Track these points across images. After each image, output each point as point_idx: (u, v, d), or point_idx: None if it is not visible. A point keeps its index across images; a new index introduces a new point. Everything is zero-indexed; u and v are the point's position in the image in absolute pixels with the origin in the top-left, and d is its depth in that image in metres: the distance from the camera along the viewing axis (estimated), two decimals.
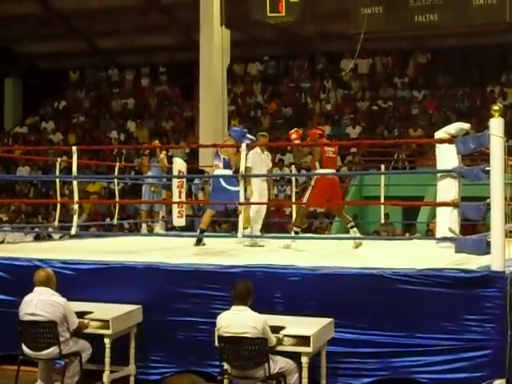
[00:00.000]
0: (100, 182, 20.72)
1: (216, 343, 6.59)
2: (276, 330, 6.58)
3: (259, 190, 11.13)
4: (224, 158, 10.35)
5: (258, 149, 11.39)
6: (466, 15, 17.84)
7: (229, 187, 10.04)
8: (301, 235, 10.60)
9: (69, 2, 25.48)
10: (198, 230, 10.65)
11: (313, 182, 10.38)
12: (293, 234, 10.42)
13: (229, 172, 10.31)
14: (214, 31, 19.88)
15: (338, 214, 11.08)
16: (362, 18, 18.25)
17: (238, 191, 9.28)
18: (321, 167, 10.20)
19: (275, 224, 17.23)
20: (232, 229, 14.68)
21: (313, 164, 10.45)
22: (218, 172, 10.36)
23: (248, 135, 10.64)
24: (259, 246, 10.23)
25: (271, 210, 18.52)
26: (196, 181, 17.93)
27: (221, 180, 10.06)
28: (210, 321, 7.11)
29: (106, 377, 7.24)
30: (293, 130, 10.55)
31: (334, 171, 10.44)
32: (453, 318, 6.92)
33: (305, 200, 10.44)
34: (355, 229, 10.41)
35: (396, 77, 24.98)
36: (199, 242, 10.35)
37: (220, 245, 10.40)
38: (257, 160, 11.30)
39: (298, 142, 10.43)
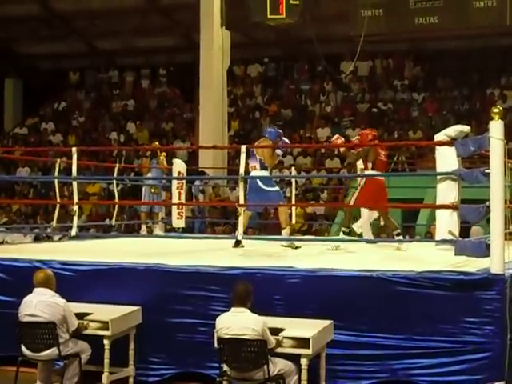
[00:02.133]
0: (100, 183, 20.71)
1: (215, 345, 6.59)
2: (275, 331, 6.58)
3: None
4: (260, 159, 10.16)
5: None
6: (466, 18, 17.89)
7: (266, 188, 10.00)
8: (347, 237, 10.52)
9: (69, 4, 25.51)
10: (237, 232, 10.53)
11: (362, 183, 10.36)
12: (341, 236, 10.39)
13: (265, 173, 10.20)
14: (214, 33, 19.90)
15: (383, 217, 11.02)
16: (362, 20, 18.30)
17: (277, 191, 9.28)
18: (373, 169, 10.22)
19: (274, 225, 17.24)
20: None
21: (364, 165, 10.44)
22: (254, 173, 10.15)
23: (283, 137, 10.58)
24: (296, 247, 10.11)
25: (271, 212, 18.55)
26: (196, 182, 17.93)
27: (258, 181, 9.94)
28: (209, 322, 7.11)
29: (105, 378, 7.24)
30: (335, 137, 10.65)
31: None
32: (452, 320, 6.92)
33: (352, 201, 10.47)
34: (401, 237, 10.40)
35: (396, 79, 24.98)
36: (238, 243, 10.19)
37: (259, 246, 10.22)
38: None
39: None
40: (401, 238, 10.46)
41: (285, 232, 10.16)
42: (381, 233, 15.55)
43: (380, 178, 10.30)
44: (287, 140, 10.80)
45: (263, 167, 10.19)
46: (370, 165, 10.28)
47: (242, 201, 8.83)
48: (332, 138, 10.69)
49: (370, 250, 10.14)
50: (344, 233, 10.39)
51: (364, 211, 11.14)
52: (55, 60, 28.49)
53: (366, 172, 10.34)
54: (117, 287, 7.90)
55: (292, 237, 10.53)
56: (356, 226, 11.20)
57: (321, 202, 18.70)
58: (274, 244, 10.39)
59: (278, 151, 10.40)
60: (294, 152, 21.81)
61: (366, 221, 11.16)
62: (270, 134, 10.47)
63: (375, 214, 11.23)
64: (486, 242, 7.01)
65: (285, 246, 10.06)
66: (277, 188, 10.15)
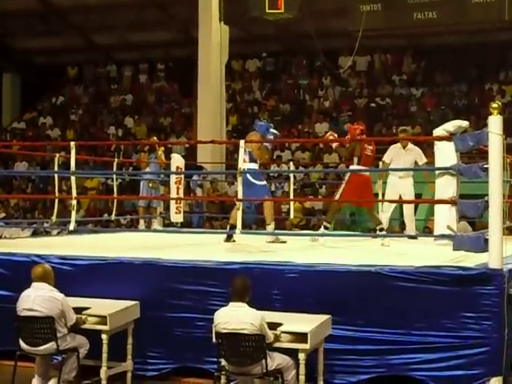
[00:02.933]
0: (98, 177, 20.70)
1: (213, 339, 6.59)
2: (273, 326, 6.58)
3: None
4: (250, 152, 10.14)
5: (398, 144, 11.41)
6: (464, 13, 17.86)
7: (255, 181, 9.99)
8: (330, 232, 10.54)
9: None
10: (228, 226, 10.54)
11: (346, 178, 10.37)
12: (322, 230, 10.40)
13: (255, 166, 10.19)
14: (212, 27, 19.87)
15: (368, 212, 11.04)
16: (360, 15, 18.27)
17: (263, 185, 9.27)
18: (358, 164, 10.21)
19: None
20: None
21: (350, 161, 10.44)
22: (245, 166, 9.94)
23: (272, 130, 10.51)
24: (281, 242, 10.14)
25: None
26: (194, 177, 17.93)
27: (248, 175, 9.89)
28: (207, 317, 7.11)
29: (103, 372, 7.24)
30: (328, 134, 10.64)
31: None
32: (450, 315, 6.93)
33: (337, 196, 10.46)
34: (384, 232, 10.44)
35: (394, 74, 24.97)
36: (229, 238, 10.24)
37: (247, 241, 10.22)
38: (394, 155, 11.36)
39: (336, 143, 10.47)
40: (384, 233, 10.46)
41: (269, 228, 10.13)
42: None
43: (365, 173, 10.28)
44: (276, 132, 10.70)
45: (252, 160, 10.18)
46: (355, 159, 10.28)
47: (240, 195, 8.81)
48: (326, 135, 10.67)
49: (354, 244, 10.13)
50: (325, 227, 10.38)
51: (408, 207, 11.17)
52: (53, 55, 28.43)
53: (352, 167, 10.34)
54: (115, 282, 7.90)
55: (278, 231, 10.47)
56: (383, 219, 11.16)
57: (319, 196, 18.69)
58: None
59: (267, 144, 10.33)
60: (292, 147, 21.81)
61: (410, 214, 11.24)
62: (260, 128, 10.47)
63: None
64: (485, 236, 7.01)
65: (270, 242, 10.07)
66: (264, 182, 10.12)
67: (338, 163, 20.20)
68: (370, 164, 10.53)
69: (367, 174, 10.43)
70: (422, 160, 11.44)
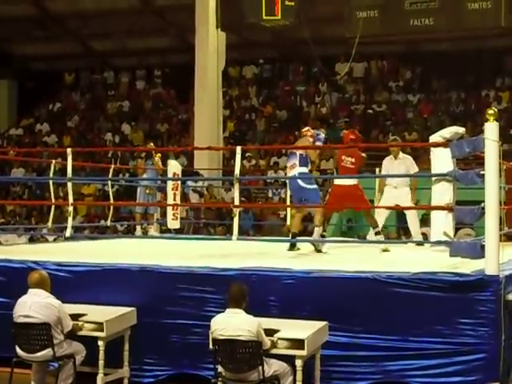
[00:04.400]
0: (95, 184, 20.69)
1: (210, 346, 6.59)
2: (270, 332, 6.58)
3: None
4: (301, 154, 9.86)
5: (390, 155, 11.32)
6: (461, 19, 17.89)
7: (306, 186, 9.77)
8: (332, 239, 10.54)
9: (63, 4, 25.50)
10: (291, 235, 10.40)
11: (330, 189, 10.39)
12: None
13: (305, 170, 9.90)
14: (209, 34, 19.89)
15: (365, 216, 11.01)
16: (357, 21, 18.29)
17: (315, 189, 9.24)
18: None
19: (269, 226, 17.26)
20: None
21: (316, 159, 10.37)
22: (294, 170, 9.88)
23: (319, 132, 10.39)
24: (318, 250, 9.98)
25: (266, 213, 18.56)
26: (189, 183, 17.92)
27: (298, 180, 9.73)
28: (204, 323, 7.10)
29: (99, 379, 7.23)
30: (306, 129, 10.52)
31: (351, 181, 10.31)
32: (447, 321, 6.92)
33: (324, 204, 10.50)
34: (380, 236, 10.43)
35: (391, 80, 25.02)
36: (293, 246, 10.06)
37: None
38: (388, 167, 11.31)
39: (311, 140, 10.34)
40: (381, 237, 10.46)
41: (317, 231, 9.95)
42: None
43: (346, 184, 10.24)
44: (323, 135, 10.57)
45: (303, 164, 9.86)
46: (334, 170, 10.28)
47: (237, 202, 8.80)
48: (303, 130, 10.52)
49: (351, 251, 10.12)
50: (321, 236, 10.38)
51: (411, 214, 11.16)
52: (50, 61, 28.45)
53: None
54: (111, 288, 7.89)
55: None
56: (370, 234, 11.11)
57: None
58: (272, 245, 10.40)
59: (318, 143, 10.06)
60: (288, 153, 21.77)
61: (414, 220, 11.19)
62: (317, 137, 10.21)
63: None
64: (481, 243, 7.01)
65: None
66: (315, 186, 9.90)
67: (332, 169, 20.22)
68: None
69: (349, 183, 10.34)
70: (414, 169, 11.39)
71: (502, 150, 7.01)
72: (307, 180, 9.74)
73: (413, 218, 11.28)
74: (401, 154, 11.36)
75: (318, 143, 10.09)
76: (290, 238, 10.33)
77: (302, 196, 9.83)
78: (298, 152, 9.87)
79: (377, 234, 10.41)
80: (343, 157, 10.21)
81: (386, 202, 11.18)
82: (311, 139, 10.07)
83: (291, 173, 9.89)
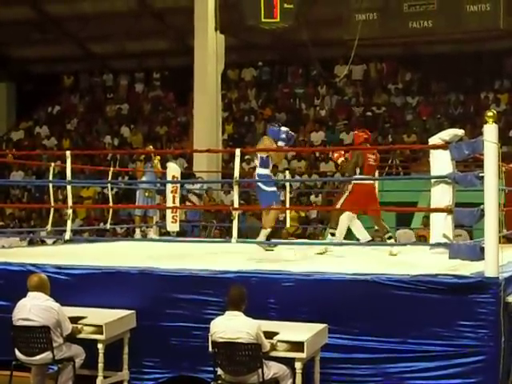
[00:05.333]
0: (94, 186, 20.68)
1: (210, 348, 6.59)
2: (270, 335, 6.58)
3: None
4: (261, 157, 10.02)
5: None
6: (459, 22, 17.90)
7: (265, 188, 9.93)
8: (339, 241, 10.50)
9: (62, 7, 25.51)
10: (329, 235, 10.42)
11: (350, 187, 10.30)
12: (329, 238, 10.35)
13: (266, 171, 10.06)
14: (208, 36, 19.90)
15: (375, 221, 10.97)
16: (356, 24, 18.30)
17: (273, 191, 9.25)
18: (361, 174, 10.16)
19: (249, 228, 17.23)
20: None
21: (353, 171, 10.34)
22: (256, 172, 10.10)
23: (284, 131, 10.33)
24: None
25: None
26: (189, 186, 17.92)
27: (259, 182, 9.87)
28: (203, 326, 7.11)
29: (99, 382, 7.23)
30: (336, 154, 10.58)
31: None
32: (446, 324, 6.92)
33: (339, 205, 10.41)
34: (392, 240, 10.40)
35: (390, 83, 25.02)
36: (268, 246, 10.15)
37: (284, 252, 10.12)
38: None
39: (342, 159, 10.38)
40: (392, 241, 10.46)
41: (264, 232, 10.04)
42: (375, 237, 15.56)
43: (368, 182, 10.27)
44: (291, 132, 10.49)
45: (263, 165, 10.04)
46: (358, 170, 10.24)
47: (236, 204, 8.81)
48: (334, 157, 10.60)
49: (360, 252, 10.12)
50: (332, 234, 10.36)
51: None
52: (49, 64, 28.45)
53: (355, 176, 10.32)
54: (111, 291, 7.88)
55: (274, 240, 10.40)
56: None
57: (314, 205, 18.70)
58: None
59: (281, 143, 10.16)
60: (288, 156, 21.81)
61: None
62: (271, 132, 10.32)
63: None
64: (481, 245, 7.01)
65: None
66: (274, 188, 10.03)
67: (334, 172, 20.21)
68: (373, 173, 10.47)
69: (371, 182, 10.38)
70: None
71: (501, 152, 7.02)
72: (267, 183, 9.85)
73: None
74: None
75: (281, 143, 10.12)
76: (289, 241, 10.34)
77: (261, 197, 9.99)
78: (259, 154, 10.04)
79: (389, 238, 10.36)
80: (368, 155, 10.21)
81: None
82: (267, 142, 10.14)
83: (255, 172, 10.16)
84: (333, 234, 10.33)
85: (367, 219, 11.20)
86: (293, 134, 10.63)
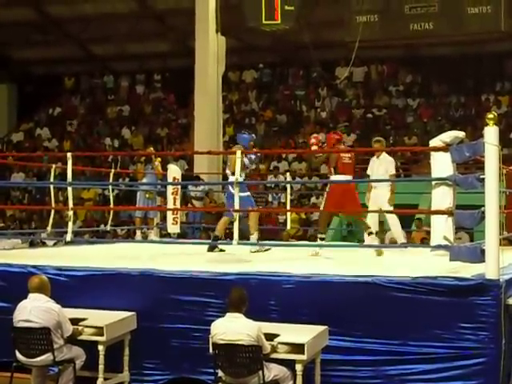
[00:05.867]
0: (95, 188, 20.68)
1: (210, 350, 6.59)
2: (270, 337, 6.58)
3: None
4: (229, 165, 10.26)
5: (375, 155, 11.41)
6: (460, 24, 17.89)
7: (239, 194, 9.98)
8: (325, 243, 10.54)
9: (63, 9, 25.52)
10: (212, 237, 10.56)
11: (327, 189, 10.39)
12: (318, 242, 10.40)
13: (233, 179, 10.14)
14: (209, 38, 19.90)
15: (355, 219, 11.03)
16: (357, 26, 18.29)
17: (247, 196, 9.29)
18: (336, 174, 10.20)
19: (268, 231, 17.23)
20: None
21: (328, 170, 10.46)
22: (230, 179, 10.24)
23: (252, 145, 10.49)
24: (265, 250, 10.16)
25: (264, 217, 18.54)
26: (190, 187, 17.93)
27: (229, 187, 9.98)
28: (204, 328, 7.10)
29: None
30: (312, 136, 10.57)
31: (348, 177, 10.35)
32: (447, 326, 6.92)
33: (322, 207, 10.49)
34: (373, 236, 10.43)
35: (391, 85, 25.02)
36: (213, 248, 10.27)
37: (236, 251, 10.24)
38: (371, 166, 11.38)
39: (315, 147, 10.41)
40: (373, 237, 10.48)
41: (253, 238, 10.12)
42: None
43: (346, 181, 10.29)
44: (254, 150, 10.67)
45: (233, 174, 10.14)
46: (332, 169, 10.29)
47: (237, 206, 8.82)
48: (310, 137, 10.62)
49: (351, 255, 10.13)
50: (320, 239, 10.41)
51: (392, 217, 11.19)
52: (50, 65, 28.46)
53: (331, 177, 10.37)
54: (111, 293, 7.89)
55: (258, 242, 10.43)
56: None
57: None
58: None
59: (245, 160, 10.26)
60: (289, 157, 21.83)
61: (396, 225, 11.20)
62: (243, 140, 10.51)
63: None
64: (481, 247, 7.01)
65: (254, 252, 10.04)
66: (247, 193, 10.13)
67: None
68: (350, 172, 10.46)
69: (347, 182, 10.42)
70: (392, 170, 11.41)
71: (501, 154, 7.02)
72: (240, 188, 9.68)
73: (394, 222, 11.27)
74: (383, 154, 11.40)
75: (246, 160, 10.15)
76: (288, 243, 10.34)
77: (233, 204, 9.97)
78: (228, 162, 10.27)
79: (369, 234, 10.41)
80: (342, 154, 10.26)
81: (374, 206, 11.23)
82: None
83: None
84: (321, 239, 10.38)
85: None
86: (257, 156, 10.79)
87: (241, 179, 9.97)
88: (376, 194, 11.24)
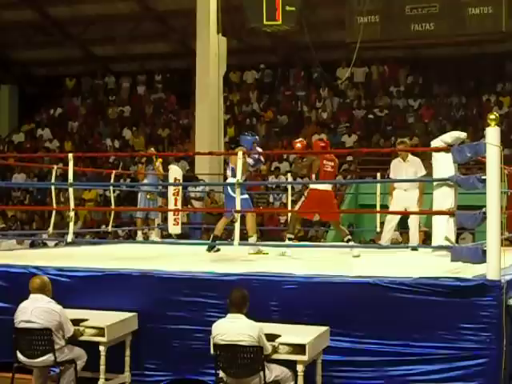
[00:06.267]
0: (96, 189, 20.69)
1: (211, 351, 6.59)
2: (272, 338, 6.58)
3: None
4: (232, 167, 10.23)
5: (398, 157, 11.41)
6: (461, 24, 17.88)
7: (235, 195, 10.03)
8: (298, 243, 10.62)
9: (64, 10, 25.52)
10: (211, 237, 10.59)
11: (306, 193, 10.46)
12: (287, 242, 10.44)
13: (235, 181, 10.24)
14: (210, 39, 19.89)
15: (333, 226, 11.09)
16: (358, 26, 18.29)
17: (245, 199, 9.32)
18: (316, 179, 10.23)
19: (270, 231, 17.25)
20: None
21: (310, 177, 10.50)
22: (228, 181, 10.31)
23: (257, 147, 10.47)
24: (264, 253, 10.18)
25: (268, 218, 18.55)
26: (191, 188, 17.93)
27: (228, 188, 10.03)
28: (205, 328, 7.10)
29: None
30: (298, 140, 10.57)
31: (328, 186, 10.40)
32: (448, 326, 6.92)
33: (296, 208, 10.56)
34: (352, 242, 10.46)
35: (392, 85, 25.02)
36: (211, 248, 10.30)
37: (233, 252, 10.28)
38: (396, 169, 11.37)
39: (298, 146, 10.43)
40: (352, 243, 10.53)
41: (251, 239, 10.14)
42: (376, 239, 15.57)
43: (325, 189, 10.28)
44: (260, 149, 10.66)
45: (234, 175, 10.14)
46: (313, 176, 10.32)
47: (238, 207, 8.82)
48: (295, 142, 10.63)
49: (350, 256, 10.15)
50: (289, 239, 10.41)
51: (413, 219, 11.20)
52: (51, 66, 28.47)
53: (313, 182, 10.40)
54: (113, 293, 7.89)
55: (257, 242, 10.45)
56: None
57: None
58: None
59: (250, 160, 10.29)
60: (290, 158, 21.82)
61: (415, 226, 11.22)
62: (246, 142, 10.50)
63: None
64: (483, 248, 7.01)
65: (252, 254, 10.05)
66: (246, 196, 10.15)
67: (335, 174, 20.22)
68: (331, 180, 10.53)
69: (328, 189, 10.41)
70: (422, 171, 11.42)
71: (503, 154, 7.01)
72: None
73: (416, 223, 11.31)
74: (410, 157, 11.39)
75: (250, 160, 10.17)
76: (289, 243, 10.35)
77: (231, 205, 10.03)
78: (231, 164, 10.27)
79: (348, 241, 10.43)
80: (324, 161, 10.29)
81: (397, 204, 11.23)
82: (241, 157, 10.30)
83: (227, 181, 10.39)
84: (289, 239, 10.39)
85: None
86: (261, 160, 10.77)
87: (241, 181, 10.05)
88: (405, 195, 11.20)
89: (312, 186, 10.46)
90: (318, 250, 11.18)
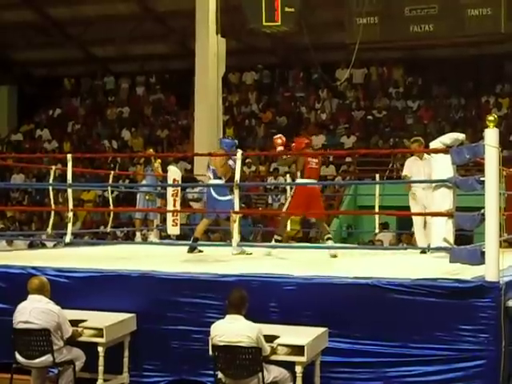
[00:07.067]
0: (94, 190, 20.67)
1: (210, 352, 6.58)
2: (270, 339, 6.58)
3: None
4: (213, 169, 10.49)
5: (414, 156, 11.38)
6: (461, 25, 17.89)
7: (218, 197, 10.24)
8: (290, 244, 10.61)
9: (64, 10, 25.52)
10: (192, 239, 10.67)
11: (291, 192, 10.50)
12: (273, 243, 10.42)
13: (220, 181, 10.49)
14: (209, 40, 19.89)
15: (318, 223, 11.13)
16: (357, 28, 18.29)
17: (229, 200, 9.35)
18: (302, 177, 10.24)
19: (269, 232, 17.21)
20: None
21: (295, 173, 10.52)
22: (210, 183, 10.49)
23: (233, 150, 10.55)
24: (247, 253, 10.19)
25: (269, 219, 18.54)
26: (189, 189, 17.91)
27: (211, 190, 10.14)
28: (204, 329, 7.10)
29: None
30: (277, 136, 10.58)
31: (315, 182, 10.43)
32: (447, 328, 6.92)
33: (284, 209, 10.59)
34: (331, 242, 10.46)
35: (391, 87, 25.03)
36: (193, 249, 10.36)
37: (214, 252, 10.38)
38: (412, 167, 11.31)
39: (281, 148, 10.45)
40: (331, 242, 10.51)
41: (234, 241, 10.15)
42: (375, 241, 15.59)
43: (311, 185, 10.30)
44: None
45: (216, 177, 10.52)
46: (299, 173, 10.33)
47: (237, 208, 8.82)
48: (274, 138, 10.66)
49: (350, 257, 10.15)
50: (276, 240, 10.41)
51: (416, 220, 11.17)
52: (50, 67, 28.46)
53: (297, 180, 10.40)
54: (111, 294, 7.89)
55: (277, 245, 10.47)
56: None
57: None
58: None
59: (231, 162, 10.34)
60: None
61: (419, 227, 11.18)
62: (226, 145, 10.71)
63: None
64: (481, 249, 7.01)
65: (236, 254, 10.06)
66: (229, 197, 10.18)
67: (334, 175, 20.24)
68: (315, 176, 10.49)
69: (313, 186, 10.41)
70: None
71: (502, 156, 7.02)
72: (221, 191, 10.26)
73: (420, 225, 11.28)
74: (425, 155, 11.33)
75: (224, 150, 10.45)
76: (288, 244, 10.35)
77: (215, 206, 10.33)
78: (211, 166, 10.57)
79: (328, 239, 10.44)
80: (309, 159, 10.30)
81: (417, 208, 11.15)
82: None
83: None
84: (277, 241, 10.40)
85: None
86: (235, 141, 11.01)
87: (222, 182, 10.17)
88: (423, 193, 11.11)
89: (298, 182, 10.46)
90: (306, 250, 11.11)
